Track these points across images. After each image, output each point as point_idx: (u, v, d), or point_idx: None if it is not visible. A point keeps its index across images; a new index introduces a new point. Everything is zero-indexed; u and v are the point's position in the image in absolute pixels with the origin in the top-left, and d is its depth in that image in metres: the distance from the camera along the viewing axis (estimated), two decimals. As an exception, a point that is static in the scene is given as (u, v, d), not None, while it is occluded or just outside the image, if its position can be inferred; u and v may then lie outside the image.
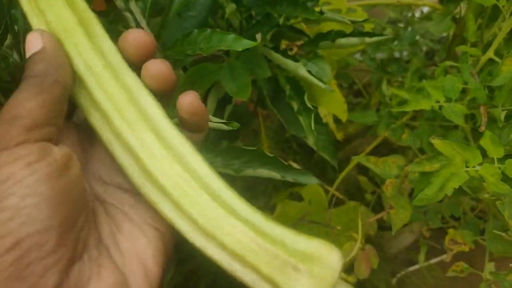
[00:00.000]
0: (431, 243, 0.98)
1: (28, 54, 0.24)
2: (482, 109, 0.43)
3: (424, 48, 0.94)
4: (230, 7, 0.59)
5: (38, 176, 0.21)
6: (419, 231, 0.87)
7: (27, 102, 0.22)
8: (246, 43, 0.39)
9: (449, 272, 0.51)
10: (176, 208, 0.25)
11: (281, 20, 0.64)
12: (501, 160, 0.38)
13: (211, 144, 0.47)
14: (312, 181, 0.45)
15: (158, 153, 0.26)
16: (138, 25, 0.44)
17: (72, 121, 0.29)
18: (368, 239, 0.92)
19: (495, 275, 0.48)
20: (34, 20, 0.26)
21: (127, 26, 0.46)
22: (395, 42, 0.80)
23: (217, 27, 0.65)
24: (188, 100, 0.27)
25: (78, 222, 0.23)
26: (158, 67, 0.27)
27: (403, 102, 0.53)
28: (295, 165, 1.01)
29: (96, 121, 0.26)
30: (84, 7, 0.27)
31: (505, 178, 0.37)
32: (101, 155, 0.28)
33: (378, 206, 0.86)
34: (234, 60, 0.62)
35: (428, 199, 0.38)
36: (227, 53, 0.65)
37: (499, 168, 0.37)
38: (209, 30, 0.42)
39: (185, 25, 0.49)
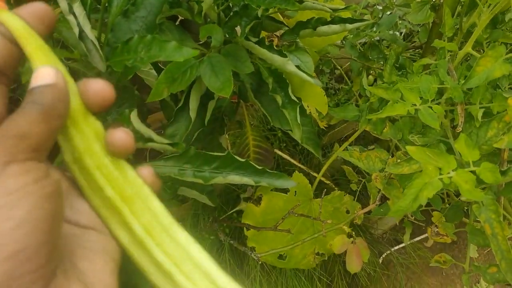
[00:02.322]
0: (416, 221, 1.00)
1: (36, 84, 0.25)
2: (459, 109, 0.43)
3: (404, 30, 0.93)
4: (207, 2, 0.57)
5: (45, 193, 0.23)
6: (404, 212, 0.88)
7: (35, 126, 0.24)
8: (187, 52, 0.37)
9: (432, 262, 0.53)
10: None
11: (260, 11, 0.62)
12: (477, 162, 0.38)
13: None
14: (288, 184, 0.43)
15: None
16: (81, 30, 0.41)
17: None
18: (353, 223, 0.94)
19: (476, 267, 0.49)
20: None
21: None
22: (374, 28, 0.80)
23: (192, 23, 0.64)
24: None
25: (59, 240, 0.25)
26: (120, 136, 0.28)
27: (382, 99, 0.53)
28: (280, 153, 1.01)
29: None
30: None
31: (480, 181, 0.38)
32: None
33: (364, 191, 0.87)
34: (215, 54, 0.60)
35: (403, 210, 0.38)
36: (207, 46, 0.63)
37: (474, 173, 0.38)
38: (149, 36, 0.38)
39: (134, 28, 0.44)
